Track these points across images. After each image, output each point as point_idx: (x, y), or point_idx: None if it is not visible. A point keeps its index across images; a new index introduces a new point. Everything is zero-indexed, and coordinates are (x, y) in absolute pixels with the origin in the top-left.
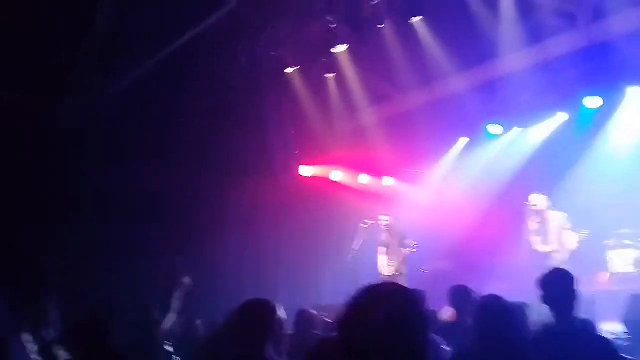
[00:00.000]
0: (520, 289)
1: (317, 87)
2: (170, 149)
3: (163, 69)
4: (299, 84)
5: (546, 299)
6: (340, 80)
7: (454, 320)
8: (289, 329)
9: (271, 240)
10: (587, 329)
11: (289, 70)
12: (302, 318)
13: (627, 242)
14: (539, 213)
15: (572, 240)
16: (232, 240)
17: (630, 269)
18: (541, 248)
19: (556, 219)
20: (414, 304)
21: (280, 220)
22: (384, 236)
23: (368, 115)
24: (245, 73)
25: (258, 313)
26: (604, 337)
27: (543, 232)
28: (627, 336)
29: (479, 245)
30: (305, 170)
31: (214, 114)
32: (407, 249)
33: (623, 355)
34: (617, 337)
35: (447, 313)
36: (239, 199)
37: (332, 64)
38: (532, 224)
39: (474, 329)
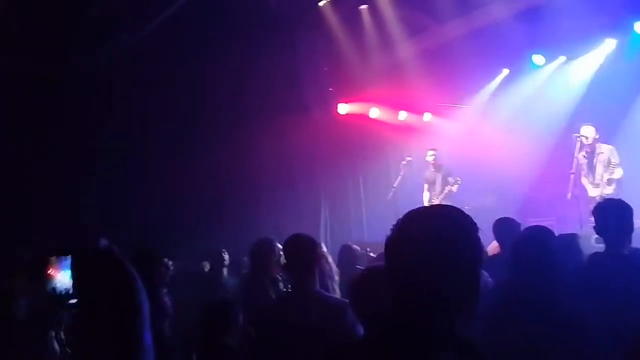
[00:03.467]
0: (566, 223)
1: (351, 20)
2: (201, 88)
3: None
4: (331, 17)
5: (599, 229)
6: (375, 11)
7: (498, 253)
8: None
9: (309, 180)
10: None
11: (321, 2)
12: (345, 253)
13: None
14: (588, 145)
15: (619, 173)
16: (269, 181)
17: None
18: (588, 182)
19: (605, 151)
20: (465, 225)
21: (318, 159)
22: (428, 172)
23: (405, 49)
24: (275, 8)
25: (300, 247)
26: None
27: (591, 165)
28: None
29: (524, 179)
30: (343, 108)
31: (244, 52)
32: (451, 185)
33: None
34: None
35: (492, 247)
36: (275, 138)
37: None
38: (580, 157)
39: (510, 260)
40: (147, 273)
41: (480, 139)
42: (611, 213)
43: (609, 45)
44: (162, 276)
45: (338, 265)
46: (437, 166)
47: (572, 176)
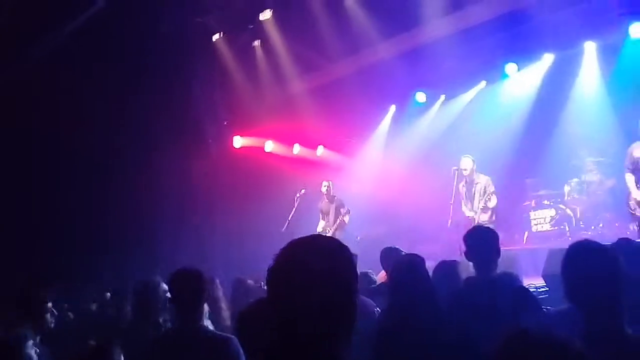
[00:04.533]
0: (450, 250)
1: (245, 55)
2: (92, 123)
3: (80, 38)
4: (226, 51)
5: (469, 255)
6: (268, 48)
7: (385, 281)
8: (225, 299)
9: (205, 213)
10: (508, 282)
11: (215, 37)
12: (238, 287)
13: (546, 202)
14: (467, 176)
15: (494, 202)
16: (165, 214)
17: (548, 227)
18: (468, 210)
19: (482, 181)
20: (341, 254)
21: (213, 192)
22: (322, 203)
23: (298, 85)
24: (169, 41)
25: (186, 282)
26: (524, 288)
27: (470, 194)
28: (546, 289)
29: (411, 210)
30: (238, 141)
31: (137, 85)
32: (342, 216)
33: (542, 306)
34: (536, 289)
35: (380, 276)
36: (171, 173)
37: (259, 30)
38: (460, 187)
39: (389, 287)
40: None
41: (372, 172)
42: (478, 240)
43: (482, 85)
44: (41, 324)
45: (231, 299)
46: (330, 197)
47: (451, 206)
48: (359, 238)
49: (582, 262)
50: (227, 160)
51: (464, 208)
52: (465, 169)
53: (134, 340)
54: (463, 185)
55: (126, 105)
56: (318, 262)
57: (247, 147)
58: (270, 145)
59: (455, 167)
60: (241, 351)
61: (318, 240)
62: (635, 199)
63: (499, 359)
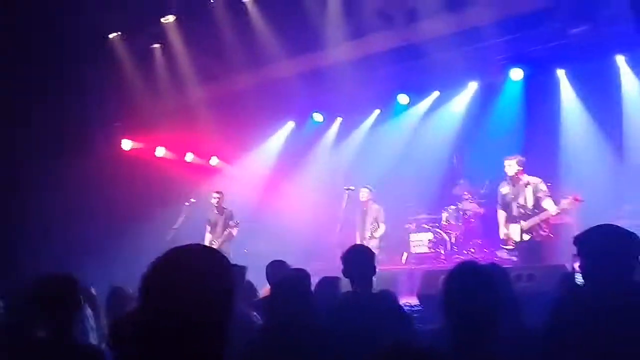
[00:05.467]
0: (335, 268)
1: (143, 58)
2: None
3: None
4: (123, 51)
5: (345, 272)
6: (168, 52)
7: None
8: (101, 308)
9: (85, 216)
10: (384, 299)
11: (111, 35)
12: (115, 295)
13: (425, 226)
14: (362, 203)
15: (382, 231)
16: (46, 216)
17: (426, 249)
18: (360, 238)
19: (373, 211)
20: (216, 260)
21: (97, 196)
22: (210, 214)
23: (196, 93)
24: (61, 37)
25: (59, 289)
26: (398, 306)
27: (363, 221)
28: (420, 308)
29: (302, 226)
30: (128, 144)
31: (23, 82)
32: (231, 228)
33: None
34: (410, 308)
35: (265, 290)
36: (57, 172)
37: (159, 34)
38: (357, 213)
39: (268, 302)
40: None
41: (264, 186)
42: (354, 257)
43: (376, 112)
44: None
45: (107, 309)
46: (220, 209)
47: (338, 225)
48: (246, 250)
49: (464, 279)
50: (114, 162)
51: (357, 234)
52: (362, 199)
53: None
54: (359, 215)
55: (12, 105)
56: (192, 269)
57: (137, 150)
58: (162, 151)
59: (346, 187)
60: None
61: (195, 249)
62: (503, 233)
63: None
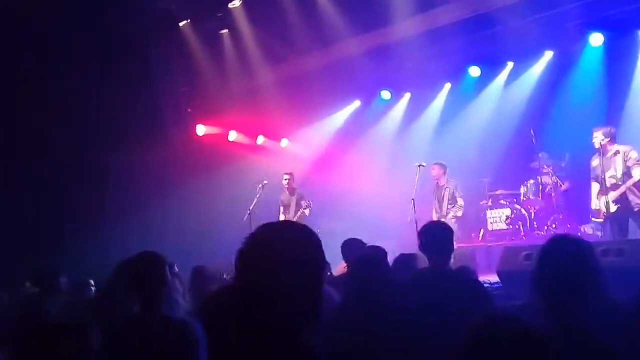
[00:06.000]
0: (410, 246)
1: (212, 43)
2: (47, 105)
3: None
4: (192, 38)
5: (423, 247)
6: (236, 37)
7: (344, 272)
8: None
9: (165, 202)
10: (462, 276)
11: (182, 23)
12: (198, 274)
13: (502, 201)
14: (437, 181)
15: (461, 203)
16: (121, 200)
17: (504, 225)
18: (435, 214)
19: (450, 186)
20: (309, 237)
21: (174, 180)
22: (283, 196)
23: (264, 76)
24: (133, 26)
25: (148, 266)
26: (477, 282)
27: (440, 199)
28: (499, 285)
29: (374, 204)
30: (201, 130)
31: (99, 69)
32: (303, 208)
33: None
34: (490, 285)
35: (339, 267)
36: (129, 158)
37: (227, 19)
38: (431, 190)
39: (349, 277)
40: None
41: (334, 165)
42: (433, 234)
43: (446, 86)
44: None
45: (190, 288)
46: (291, 190)
47: (412, 201)
48: (319, 230)
49: (557, 253)
50: (188, 149)
51: (433, 212)
52: (435, 176)
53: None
54: (433, 191)
55: (87, 96)
56: (289, 247)
57: (210, 135)
58: (233, 135)
59: (417, 163)
60: (203, 337)
61: (289, 226)
62: (594, 204)
63: (470, 344)
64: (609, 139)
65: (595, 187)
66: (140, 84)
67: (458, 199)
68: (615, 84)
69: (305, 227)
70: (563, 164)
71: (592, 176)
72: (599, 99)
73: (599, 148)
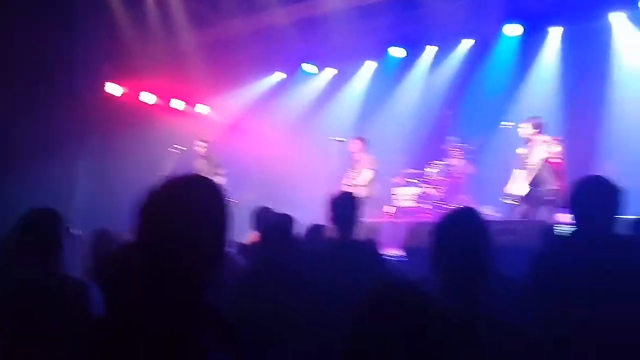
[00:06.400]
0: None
1: (135, 5)
2: None
3: None
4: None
5: (332, 218)
6: None
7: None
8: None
9: (68, 163)
10: (367, 247)
11: None
12: (100, 236)
13: (412, 180)
14: (354, 155)
15: (369, 175)
16: (23, 153)
17: (412, 203)
18: (346, 184)
19: (365, 160)
20: (217, 201)
21: (81, 142)
22: (197, 162)
23: (185, 39)
24: None
25: (42, 222)
26: (378, 253)
27: (353, 171)
28: (405, 259)
29: (289, 176)
30: (113, 88)
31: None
32: (219, 177)
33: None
34: (397, 258)
35: (251, 235)
36: (33, 110)
37: None
38: (348, 164)
39: (258, 245)
40: None
41: (253, 135)
42: (341, 206)
43: (371, 64)
44: None
45: (91, 250)
46: (206, 157)
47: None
48: (232, 199)
49: (454, 226)
50: (98, 107)
51: (343, 182)
52: (353, 150)
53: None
54: (350, 165)
55: None
56: (191, 202)
57: (123, 95)
58: (147, 97)
59: (334, 137)
60: (99, 298)
61: (193, 180)
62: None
63: (364, 308)
64: (537, 130)
65: (517, 173)
66: (55, 37)
67: (366, 171)
68: (526, 75)
69: (210, 181)
70: (471, 148)
71: (516, 164)
72: (510, 89)
73: (526, 138)
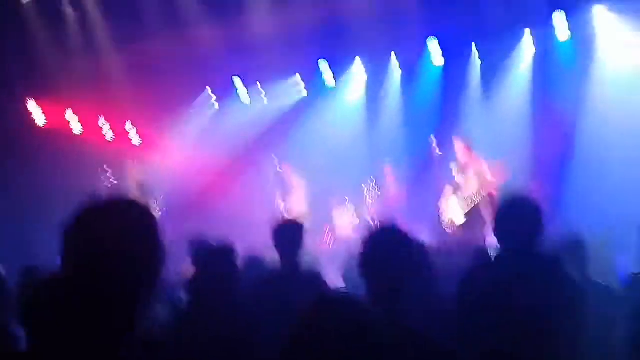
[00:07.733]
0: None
1: (56, 22)
2: None
3: None
4: (34, 15)
5: (275, 246)
6: (83, 14)
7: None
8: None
9: None
10: (309, 277)
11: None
12: (27, 275)
13: (345, 203)
14: (285, 179)
15: (304, 203)
16: None
17: (350, 229)
18: (283, 210)
19: (300, 185)
20: (147, 220)
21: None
22: (127, 187)
23: (111, 58)
24: None
25: None
26: (324, 284)
27: (288, 196)
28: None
29: (225, 204)
30: (34, 109)
31: None
32: (150, 202)
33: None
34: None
35: (185, 268)
36: None
37: None
38: (281, 190)
39: (193, 278)
40: None
41: (186, 161)
42: (283, 233)
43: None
44: None
45: (21, 290)
46: (135, 182)
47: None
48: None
49: (382, 239)
50: (19, 128)
51: (280, 209)
52: (284, 172)
53: None
54: (283, 188)
55: None
56: (117, 232)
57: (45, 116)
58: (72, 117)
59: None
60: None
61: (118, 207)
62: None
63: (300, 324)
64: (467, 149)
65: (448, 189)
66: None
67: (301, 199)
68: (450, 93)
69: (140, 205)
70: (403, 168)
71: (448, 182)
72: (434, 107)
73: (458, 155)
